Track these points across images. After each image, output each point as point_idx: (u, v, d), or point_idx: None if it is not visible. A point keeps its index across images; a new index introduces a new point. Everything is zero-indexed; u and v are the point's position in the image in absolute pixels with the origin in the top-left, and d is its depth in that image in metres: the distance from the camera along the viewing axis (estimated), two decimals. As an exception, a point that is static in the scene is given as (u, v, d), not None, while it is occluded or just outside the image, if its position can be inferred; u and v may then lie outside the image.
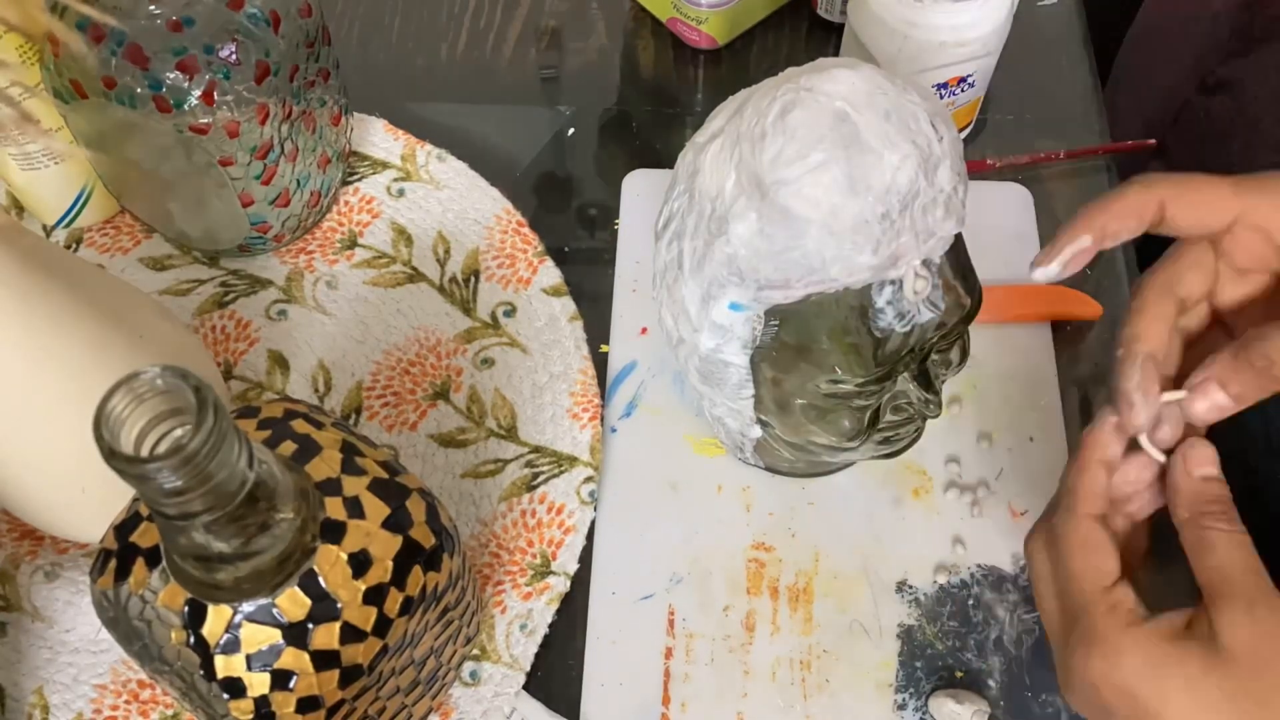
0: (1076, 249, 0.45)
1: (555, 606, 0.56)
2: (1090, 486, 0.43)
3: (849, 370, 0.48)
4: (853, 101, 0.44)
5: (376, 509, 0.42)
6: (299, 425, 0.44)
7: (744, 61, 0.77)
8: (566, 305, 0.65)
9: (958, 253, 0.48)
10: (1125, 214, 0.44)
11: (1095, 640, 0.40)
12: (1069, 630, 0.42)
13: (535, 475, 0.60)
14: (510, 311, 0.65)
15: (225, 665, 0.40)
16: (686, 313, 0.50)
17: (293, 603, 0.40)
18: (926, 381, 0.50)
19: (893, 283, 0.46)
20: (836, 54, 0.72)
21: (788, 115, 0.45)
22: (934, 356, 0.50)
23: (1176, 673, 0.39)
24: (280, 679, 0.40)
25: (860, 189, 0.44)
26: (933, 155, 0.45)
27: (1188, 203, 0.43)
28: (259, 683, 0.40)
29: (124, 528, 0.42)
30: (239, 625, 0.39)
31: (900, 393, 0.50)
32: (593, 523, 0.59)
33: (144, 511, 0.42)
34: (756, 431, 0.55)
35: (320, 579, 0.40)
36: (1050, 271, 0.46)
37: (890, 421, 0.51)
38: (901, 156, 0.44)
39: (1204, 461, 0.42)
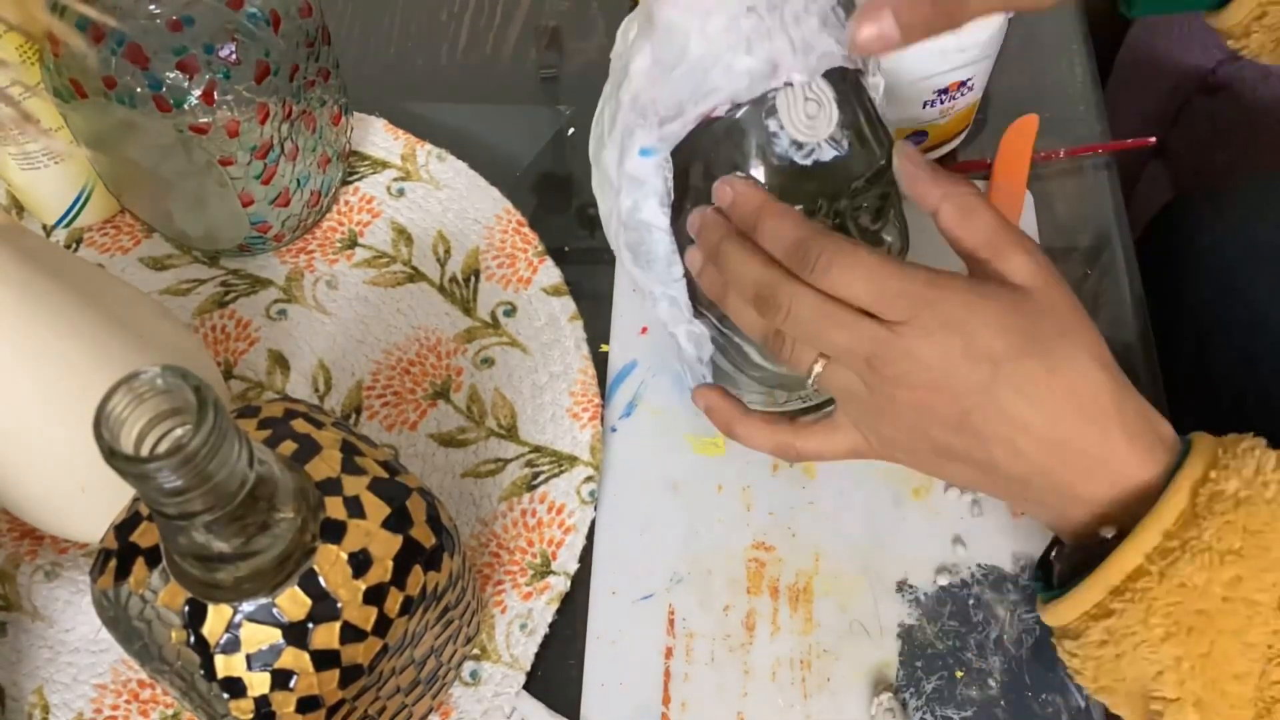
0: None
1: (555, 606, 0.56)
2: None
3: None
4: None
5: (376, 508, 0.42)
6: (299, 425, 0.44)
7: (744, 61, 0.77)
8: (566, 305, 0.65)
9: (863, 100, 0.49)
10: None
11: (935, 292, 0.42)
12: (894, 312, 0.43)
13: (535, 475, 0.60)
14: (510, 311, 0.65)
15: (225, 665, 0.40)
16: (608, 178, 0.52)
17: (293, 602, 0.40)
18: None
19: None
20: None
21: None
22: (860, 222, 0.51)
23: (986, 312, 0.42)
24: (280, 679, 0.40)
25: None
26: None
27: None
28: (259, 682, 0.40)
29: (124, 527, 0.42)
30: (239, 625, 0.39)
31: None
32: (593, 522, 0.59)
33: (144, 511, 0.42)
34: (709, 348, 0.55)
35: (320, 578, 0.40)
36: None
37: None
38: None
39: (916, 154, 0.46)
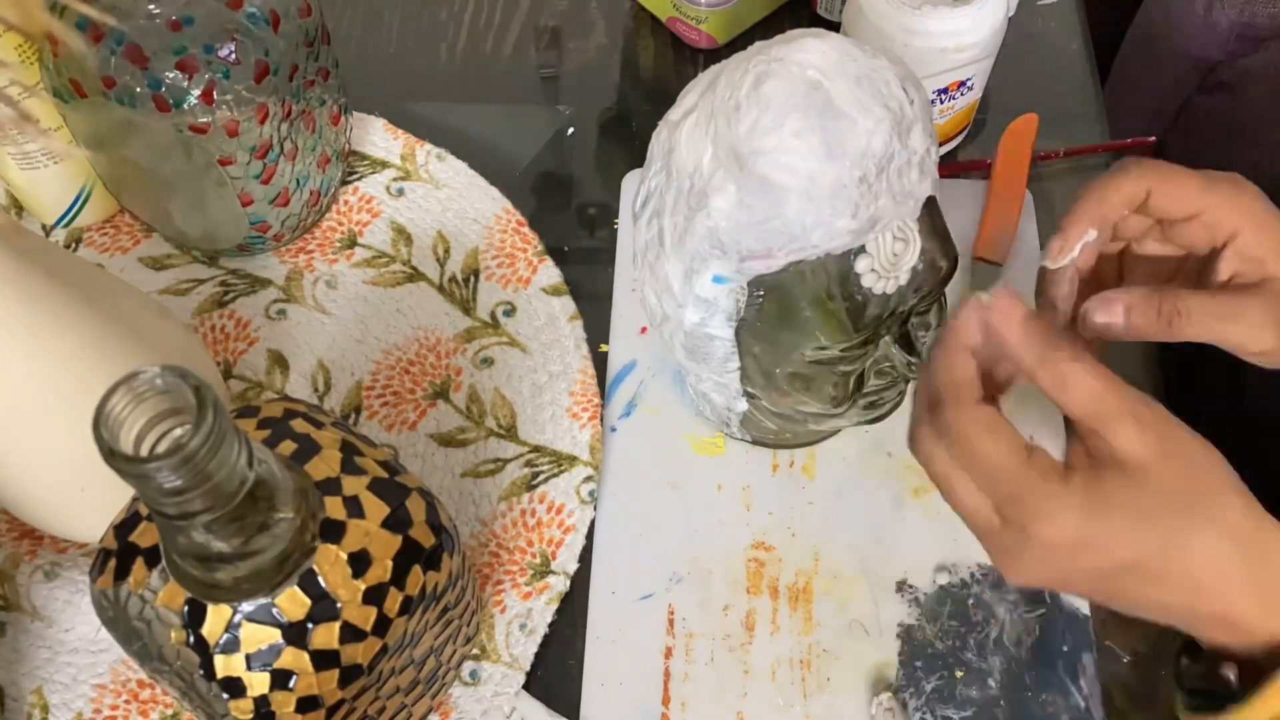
0: (1085, 241, 0.48)
1: (555, 606, 0.56)
2: (965, 374, 0.44)
3: (831, 337, 0.48)
4: (824, 69, 0.45)
5: (376, 508, 0.42)
6: (298, 425, 0.44)
7: (744, 61, 0.77)
8: (566, 304, 0.65)
9: (933, 215, 0.49)
10: (1121, 204, 0.48)
11: (1049, 505, 0.41)
12: (1008, 512, 0.42)
13: (535, 475, 0.60)
14: (510, 311, 0.65)
15: (225, 665, 0.40)
16: (670, 289, 0.50)
17: (292, 602, 0.40)
18: (908, 344, 0.51)
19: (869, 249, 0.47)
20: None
21: (761, 86, 0.45)
22: (913, 319, 0.51)
23: (1118, 503, 0.40)
24: (280, 678, 0.40)
25: (837, 154, 0.44)
26: (905, 118, 0.46)
27: (1167, 194, 0.48)
28: (259, 682, 0.40)
29: (123, 527, 0.42)
30: (238, 625, 0.39)
31: (882, 356, 0.51)
32: (592, 522, 0.59)
33: (144, 511, 0.42)
34: (743, 405, 0.55)
35: (320, 578, 0.40)
36: (1063, 262, 0.49)
37: (875, 386, 0.52)
38: (875, 121, 0.45)
39: (1017, 308, 0.43)
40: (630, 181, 0.70)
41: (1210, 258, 0.49)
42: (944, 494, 0.44)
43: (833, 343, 0.49)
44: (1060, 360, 0.42)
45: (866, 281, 0.47)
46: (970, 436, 0.42)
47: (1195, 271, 0.50)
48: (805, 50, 0.45)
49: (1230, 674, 0.42)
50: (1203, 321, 0.46)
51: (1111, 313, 0.47)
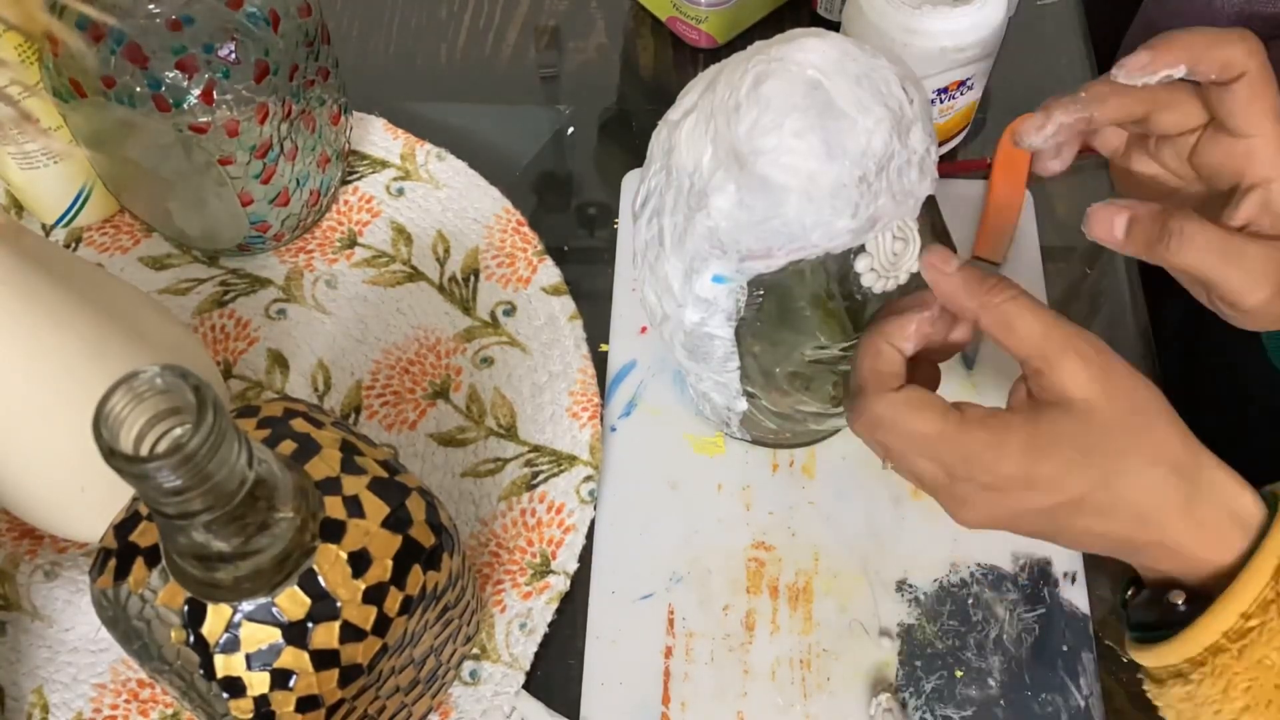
0: (1169, 74, 0.45)
1: (555, 606, 0.56)
2: (885, 363, 0.45)
3: (831, 337, 0.48)
4: (824, 69, 0.45)
5: (376, 508, 0.42)
6: (298, 424, 0.44)
7: (744, 61, 0.77)
8: (566, 304, 0.65)
9: (932, 215, 0.49)
10: (1217, 65, 0.44)
11: (991, 453, 0.41)
12: (958, 471, 0.42)
13: (535, 474, 0.60)
14: (510, 310, 0.65)
15: (225, 664, 0.40)
16: (670, 289, 0.50)
17: (292, 602, 0.40)
18: None
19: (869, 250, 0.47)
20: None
21: (761, 86, 0.45)
22: None
23: (1063, 440, 0.41)
24: (280, 678, 0.40)
25: (837, 154, 0.44)
26: (905, 117, 0.46)
27: (1250, 95, 0.44)
28: (259, 682, 0.40)
29: (123, 527, 0.42)
30: (238, 624, 0.39)
31: None
32: (592, 522, 0.59)
33: (144, 511, 0.42)
34: (743, 404, 0.55)
35: (320, 578, 0.40)
36: (1136, 81, 0.46)
37: None
38: (875, 120, 0.45)
39: (951, 260, 0.44)
40: (630, 181, 0.70)
41: (1227, 197, 0.46)
42: (894, 467, 0.46)
43: (833, 342, 0.49)
44: (1002, 302, 0.42)
45: (866, 281, 0.47)
46: (900, 419, 0.43)
47: (1199, 206, 0.47)
48: (805, 50, 0.45)
49: (1178, 600, 0.43)
50: (1201, 252, 0.44)
51: (1115, 225, 0.45)
